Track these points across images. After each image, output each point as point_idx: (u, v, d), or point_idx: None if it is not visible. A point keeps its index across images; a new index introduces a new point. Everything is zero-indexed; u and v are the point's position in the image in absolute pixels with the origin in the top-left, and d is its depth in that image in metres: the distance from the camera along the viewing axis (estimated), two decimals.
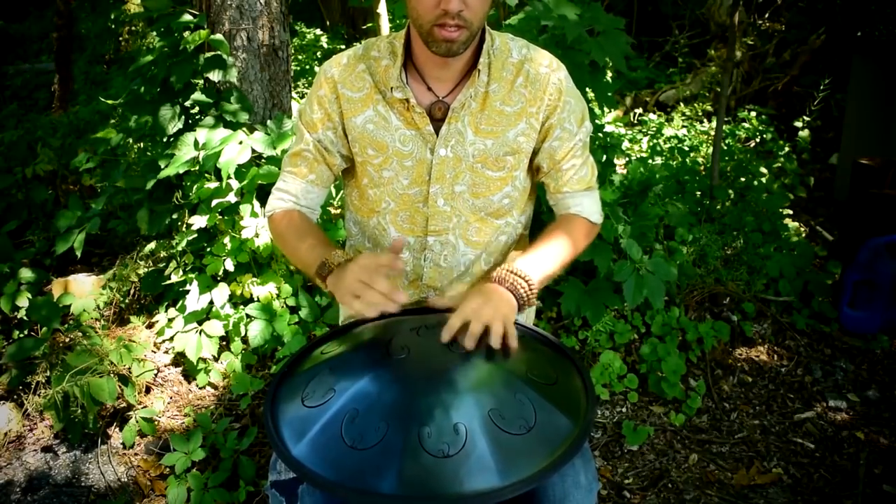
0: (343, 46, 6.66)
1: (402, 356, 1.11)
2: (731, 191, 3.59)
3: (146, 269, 2.85)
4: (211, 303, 2.51)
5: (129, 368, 2.38)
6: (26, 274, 2.67)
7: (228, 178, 2.52)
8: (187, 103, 2.69)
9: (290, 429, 1.02)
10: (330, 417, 1.00)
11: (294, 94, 3.17)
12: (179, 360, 2.60)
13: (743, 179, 3.78)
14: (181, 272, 2.63)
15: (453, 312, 1.21)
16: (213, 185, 2.55)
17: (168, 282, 2.63)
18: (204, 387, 2.52)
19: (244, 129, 2.65)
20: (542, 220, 2.51)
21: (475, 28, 1.25)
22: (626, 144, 4.40)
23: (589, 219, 1.47)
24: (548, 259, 1.36)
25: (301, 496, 1.19)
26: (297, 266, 1.52)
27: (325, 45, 6.64)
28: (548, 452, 0.96)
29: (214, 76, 2.64)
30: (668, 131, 4.80)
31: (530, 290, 1.26)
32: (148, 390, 2.50)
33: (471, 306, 1.17)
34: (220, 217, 2.55)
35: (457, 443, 0.94)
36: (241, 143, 2.54)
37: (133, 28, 7.04)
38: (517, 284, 1.25)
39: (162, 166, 2.60)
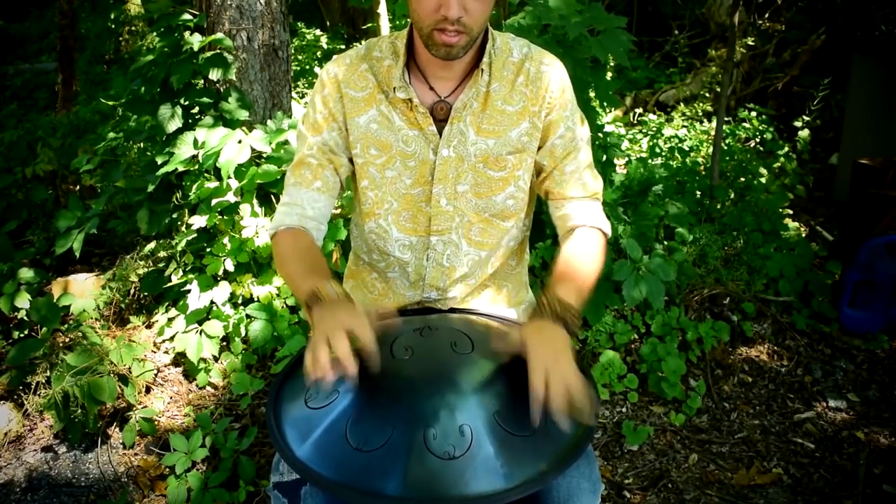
0: (343, 46, 6.66)
1: (405, 357, 1.10)
2: (731, 191, 3.59)
3: (146, 269, 2.85)
4: (212, 302, 2.51)
5: (129, 368, 2.38)
6: (26, 274, 2.67)
7: (228, 177, 2.52)
8: (187, 103, 2.69)
9: (294, 430, 1.02)
10: (334, 419, 1.00)
11: (294, 94, 3.17)
12: (179, 360, 2.60)
13: (743, 179, 3.78)
14: (181, 272, 2.63)
15: (454, 313, 1.19)
16: (212, 184, 2.55)
17: (168, 284, 2.63)
18: (204, 387, 2.52)
19: (243, 127, 2.65)
20: (541, 219, 2.51)
21: (475, 33, 1.25)
22: (626, 144, 4.40)
23: (602, 229, 1.41)
24: (585, 286, 1.28)
25: (304, 498, 1.19)
26: (290, 289, 1.41)
27: (325, 46, 6.63)
28: (552, 454, 0.96)
29: (214, 76, 2.63)
30: (667, 131, 4.80)
31: (577, 323, 1.17)
32: (148, 390, 2.50)
33: (546, 360, 1.04)
34: (220, 217, 2.55)
35: (462, 444, 0.94)
36: (239, 141, 2.54)
37: (133, 28, 7.05)
38: (568, 319, 1.16)
39: (160, 163, 2.60)
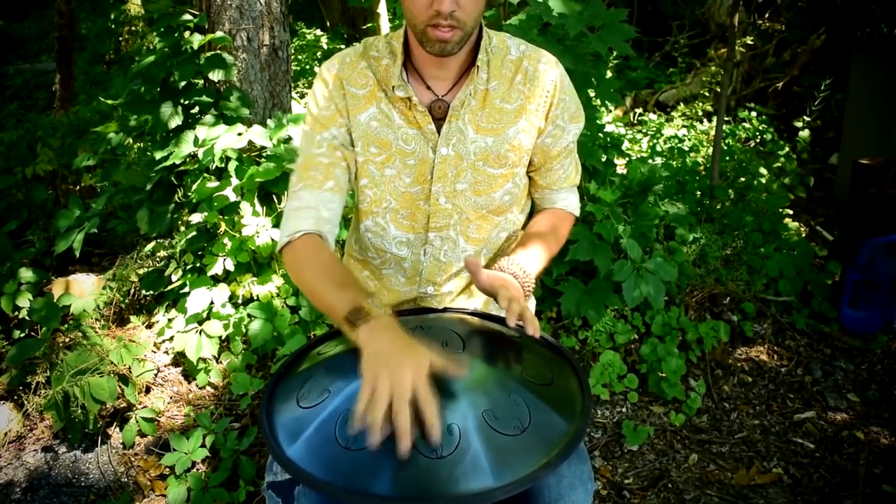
0: (343, 46, 6.65)
1: None
2: (731, 191, 3.59)
3: (146, 269, 2.85)
4: (212, 302, 2.51)
5: (129, 368, 2.38)
6: (26, 274, 2.67)
7: (224, 159, 2.50)
8: (187, 102, 2.69)
9: (285, 430, 1.02)
10: (324, 418, 1.00)
11: (294, 94, 3.17)
12: (179, 360, 2.60)
13: (743, 179, 3.78)
14: (181, 272, 2.63)
15: (449, 313, 1.19)
16: (213, 184, 2.55)
17: (170, 286, 2.63)
18: (204, 387, 2.52)
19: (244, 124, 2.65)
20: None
21: (469, 28, 1.25)
22: (626, 144, 4.40)
23: (573, 213, 1.57)
24: (542, 255, 1.43)
25: (297, 497, 1.19)
26: (314, 302, 1.29)
27: (325, 46, 6.64)
28: (543, 453, 0.96)
29: (216, 76, 2.64)
30: (668, 131, 4.80)
31: (530, 286, 1.34)
32: (148, 390, 2.50)
33: (511, 292, 1.24)
34: (221, 216, 2.56)
35: (451, 443, 0.94)
36: (240, 134, 2.55)
37: (133, 28, 7.05)
38: (522, 279, 1.33)
39: (158, 158, 2.60)
